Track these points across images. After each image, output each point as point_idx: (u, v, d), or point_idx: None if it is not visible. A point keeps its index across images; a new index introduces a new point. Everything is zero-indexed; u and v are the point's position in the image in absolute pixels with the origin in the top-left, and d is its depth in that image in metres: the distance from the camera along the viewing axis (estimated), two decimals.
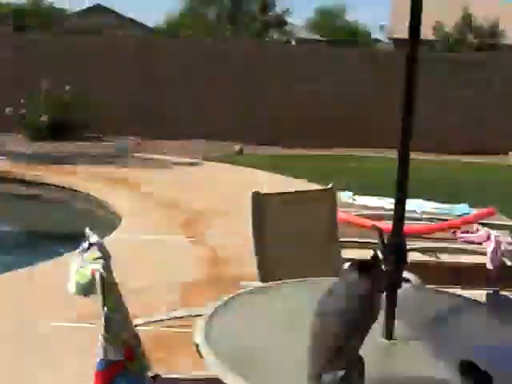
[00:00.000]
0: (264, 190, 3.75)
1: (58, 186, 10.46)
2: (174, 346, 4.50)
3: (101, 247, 2.44)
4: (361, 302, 2.01)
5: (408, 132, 2.45)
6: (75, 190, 10.18)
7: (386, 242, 2.51)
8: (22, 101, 15.00)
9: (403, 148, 2.47)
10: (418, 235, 6.43)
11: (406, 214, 7.44)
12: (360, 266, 2.04)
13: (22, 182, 10.88)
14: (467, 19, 29.93)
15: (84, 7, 46.48)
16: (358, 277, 2.02)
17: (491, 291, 2.88)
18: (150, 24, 46.51)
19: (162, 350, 4.44)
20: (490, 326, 2.81)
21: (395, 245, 2.50)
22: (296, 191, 3.86)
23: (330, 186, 3.96)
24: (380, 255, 2.56)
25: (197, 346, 2.53)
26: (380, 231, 2.48)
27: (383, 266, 2.54)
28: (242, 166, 12.76)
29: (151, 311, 5.05)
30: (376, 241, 2.52)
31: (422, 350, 2.52)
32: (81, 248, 2.46)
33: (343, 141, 15.63)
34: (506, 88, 16.31)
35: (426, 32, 32.18)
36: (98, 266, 2.33)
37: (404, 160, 2.46)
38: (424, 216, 7.11)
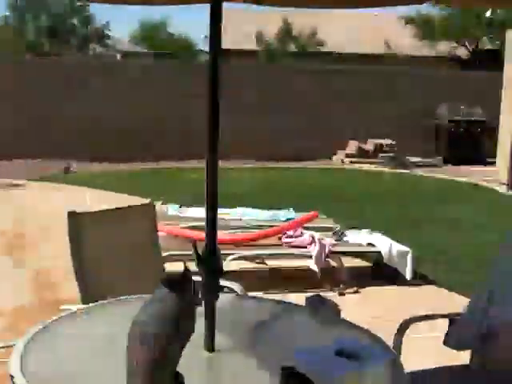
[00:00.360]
0: (90, 208, 3.65)
1: None
2: None
3: None
4: (173, 318, 1.97)
5: (215, 142, 2.44)
6: None
7: (200, 253, 2.49)
8: None
9: (211, 158, 2.45)
10: (243, 243, 6.51)
11: (232, 223, 7.59)
12: (169, 281, 2.00)
13: None
14: (287, 29, 30.80)
15: None
16: (167, 292, 1.98)
17: (312, 294, 2.91)
18: None
19: None
20: (310, 329, 2.86)
21: (209, 255, 2.48)
22: (114, 208, 3.77)
23: (148, 200, 3.92)
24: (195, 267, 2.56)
25: (12, 377, 2.40)
26: (193, 242, 2.45)
27: (200, 278, 2.54)
28: (69, 184, 12.44)
29: None
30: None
31: (244, 359, 2.52)
32: None
33: (171, 154, 15.59)
34: (324, 95, 16.89)
35: (250, 42, 32.92)
36: None
37: (212, 170, 2.45)
38: (250, 224, 7.22)
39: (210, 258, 2.49)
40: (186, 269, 2.06)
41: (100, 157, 15.26)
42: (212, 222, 2.51)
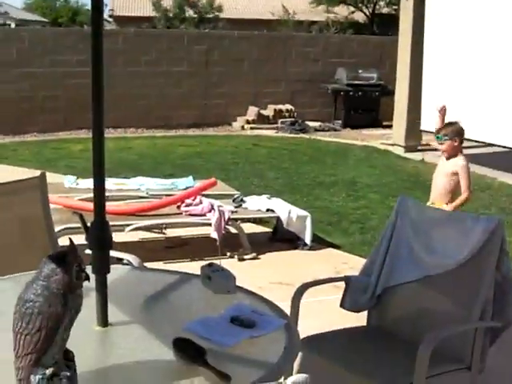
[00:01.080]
0: None
1: None
2: None
3: None
4: (58, 294, 1.91)
5: (99, 110, 2.36)
6: None
7: (87, 225, 2.43)
8: None
9: (97, 127, 2.38)
10: (142, 213, 6.44)
11: (132, 193, 7.47)
12: (54, 256, 1.94)
13: None
14: None
15: None
16: (53, 268, 1.92)
17: (207, 263, 2.89)
18: None
19: None
20: (204, 298, 2.84)
21: (97, 227, 2.42)
22: (0, 182, 3.64)
23: (39, 172, 3.80)
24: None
25: None
26: (80, 215, 2.39)
27: (89, 251, 2.48)
28: None
29: None
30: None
31: (139, 332, 2.49)
32: None
33: (63, 124, 15.21)
34: (223, 61, 16.80)
35: (147, 8, 32.45)
36: None
37: (99, 139, 2.38)
38: (150, 193, 7.13)
39: (97, 230, 2.42)
40: (71, 242, 2.00)
41: None
42: (99, 192, 2.44)
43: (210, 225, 6.33)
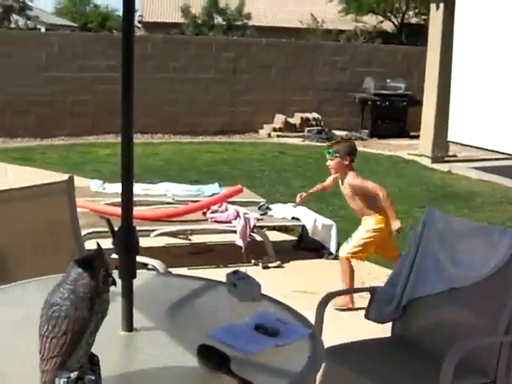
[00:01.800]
0: (11, 185, 3.55)
1: None
2: None
3: None
4: (85, 298, 1.92)
5: (129, 116, 2.37)
6: None
7: (115, 230, 2.44)
8: None
9: (126, 133, 2.39)
10: (168, 219, 6.46)
11: (158, 199, 7.49)
12: (81, 260, 1.95)
13: None
14: (213, 1, 30.53)
15: None
16: (80, 272, 1.93)
17: (232, 270, 2.89)
18: None
19: None
20: (229, 305, 2.84)
21: (124, 232, 2.43)
22: (30, 185, 3.67)
23: (67, 176, 3.82)
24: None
25: None
26: (107, 220, 2.40)
27: (115, 256, 2.48)
28: None
29: None
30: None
31: (163, 338, 2.48)
32: None
33: (87, 129, 15.30)
34: (250, 68, 16.81)
35: (176, 14, 32.58)
36: None
37: (128, 144, 2.39)
38: (176, 199, 7.15)
39: (124, 235, 2.43)
40: (99, 247, 2.01)
41: (19, 132, 14.85)
42: (127, 197, 2.45)
43: (235, 232, 6.33)
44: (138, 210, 6.13)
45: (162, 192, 7.32)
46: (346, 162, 5.45)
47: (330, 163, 5.53)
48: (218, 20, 30.84)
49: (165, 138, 15.39)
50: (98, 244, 2.02)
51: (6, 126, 14.69)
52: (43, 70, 15.14)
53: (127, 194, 2.44)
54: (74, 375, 1.94)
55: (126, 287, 2.45)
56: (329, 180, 5.87)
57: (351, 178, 5.50)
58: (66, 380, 1.93)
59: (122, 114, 2.37)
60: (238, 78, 16.66)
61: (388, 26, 33.77)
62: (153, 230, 6.12)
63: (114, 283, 2.03)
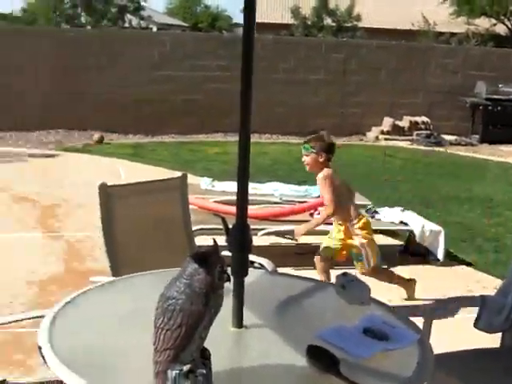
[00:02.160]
0: (123, 180, 3.66)
1: None
2: (31, 347, 4.34)
3: None
4: (200, 293, 1.96)
5: (247, 117, 2.41)
6: None
7: (229, 228, 2.48)
8: None
9: (243, 132, 2.43)
10: (275, 218, 6.49)
11: (265, 198, 7.55)
12: (198, 255, 1.99)
13: None
14: (323, 2, 30.46)
15: None
16: (196, 268, 1.97)
17: (342, 272, 2.89)
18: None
19: (19, 352, 4.29)
20: (338, 307, 2.84)
21: (238, 230, 2.46)
22: (145, 181, 3.77)
23: (180, 174, 3.91)
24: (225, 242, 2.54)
25: (40, 348, 2.42)
26: (222, 218, 2.44)
27: (229, 253, 2.52)
28: (101, 155, 12.49)
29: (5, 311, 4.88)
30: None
31: (272, 336, 2.50)
32: None
33: (200, 127, 15.55)
34: (360, 70, 16.72)
35: (285, 15, 32.70)
36: None
37: (244, 145, 2.42)
38: (283, 199, 7.19)
39: (239, 233, 2.47)
40: (215, 243, 2.05)
41: (131, 129, 15.25)
42: (242, 196, 2.48)
43: None
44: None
45: (270, 191, 7.38)
46: (321, 159, 5.19)
47: (306, 159, 5.28)
48: (328, 21, 30.74)
49: (273, 139, 15.49)
50: (215, 240, 2.06)
51: (119, 123, 15.12)
52: (155, 68, 15.50)
53: (242, 192, 2.47)
54: (186, 368, 1.97)
55: (237, 284, 2.49)
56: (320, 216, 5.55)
57: (321, 175, 5.19)
58: (177, 372, 1.96)
59: (241, 114, 2.40)
60: (348, 80, 16.59)
61: (501, 29, 32.86)
62: (260, 229, 6.17)
63: (229, 279, 2.07)
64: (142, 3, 34.09)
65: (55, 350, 2.31)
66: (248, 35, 2.42)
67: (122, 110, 15.26)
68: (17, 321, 3.36)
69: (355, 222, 5.28)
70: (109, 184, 3.58)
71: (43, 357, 2.36)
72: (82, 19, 31.43)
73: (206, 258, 2.00)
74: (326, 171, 5.18)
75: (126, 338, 2.46)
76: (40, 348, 2.39)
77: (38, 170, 11.03)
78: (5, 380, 2.80)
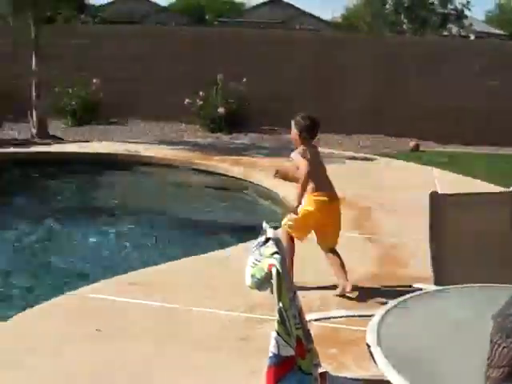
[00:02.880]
0: (445, 191, 3.66)
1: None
2: (345, 343, 4.46)
3: (278, 242, 2.44)
4: None
5: None
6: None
7: None
8: (200, 93, 15.50)
9: None
10: None
11: None
12: None
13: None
14: None
15: (262, 1, 47.40)
16: None
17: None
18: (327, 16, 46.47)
19: (333, 347, 4.41)
20: None
21: None
22: (474, 193, 3.73)
23: (510, 189, 3.80)
24: None
25: (368, 346, 2.50)
26: None
27: None
28: (416, 163, 12.45)
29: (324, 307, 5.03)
30: None
31: None
32: (258, 242, 2.48)
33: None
34: None
35: None
36: (275, 261, 2.32)
37: None
38: None
39: None
40: None
41: (446, 138, 15.05)
42: None
43: None
44: None
45: None
46: (298, 138, 5.44)
47: (292, 133, 5.53)
48: None
49: None
50: None
51: (436, 131, 15.02)
52: (475, 78, 15.21)
53: None
54: None
55: None
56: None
57: (295, 151, 5.42)
58: None
59: None
60: None
61: None
62: None
63: None
64: (466, 12, 33.41)
65: (385, 352, 2.37)
66: None
67: (439, 119, 15.13)
68: (347, 317, 3.49)
69: (315, 194, 5.43)
70: (439, 192, 3.58)
71: (371, 355, 2.43)
72: (404, 26, 31.58)
73: None
74: (301, 148, 5.42)
75: (456, 347, 2.45)
76: (368, 346, 2.48)
77: (355, 173, 11.23)
78: (326, 372, 2.93)
